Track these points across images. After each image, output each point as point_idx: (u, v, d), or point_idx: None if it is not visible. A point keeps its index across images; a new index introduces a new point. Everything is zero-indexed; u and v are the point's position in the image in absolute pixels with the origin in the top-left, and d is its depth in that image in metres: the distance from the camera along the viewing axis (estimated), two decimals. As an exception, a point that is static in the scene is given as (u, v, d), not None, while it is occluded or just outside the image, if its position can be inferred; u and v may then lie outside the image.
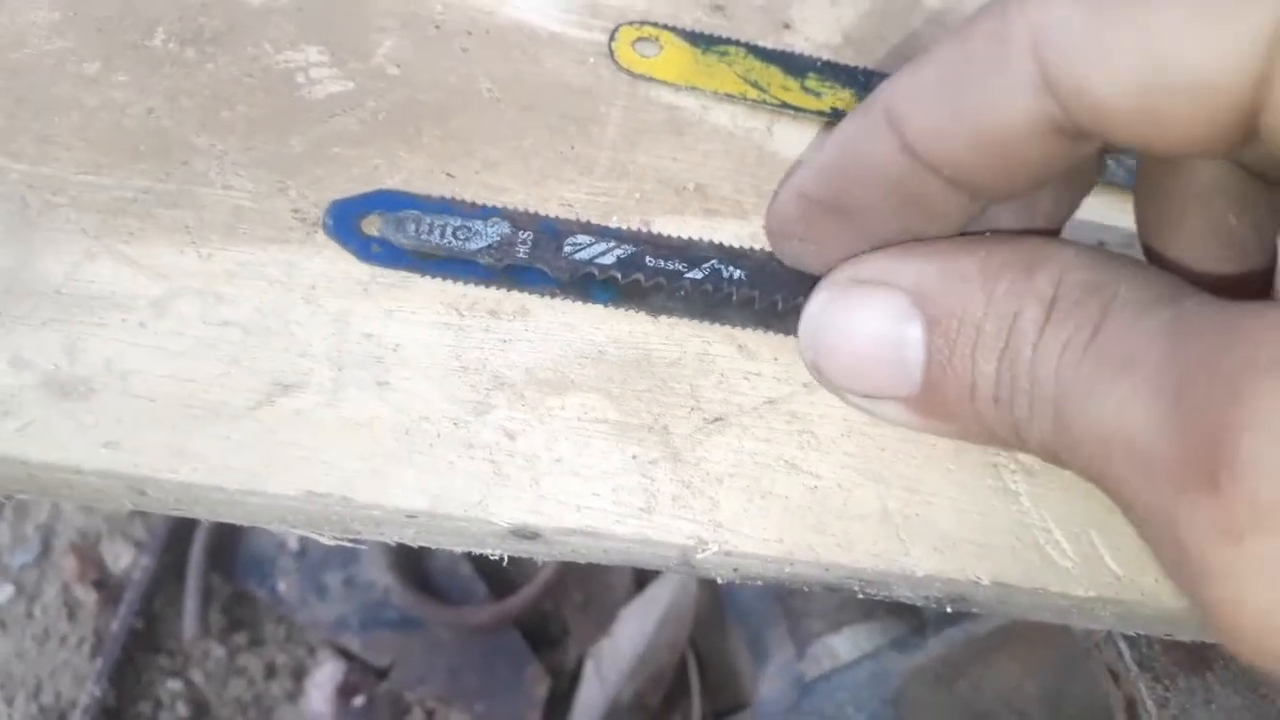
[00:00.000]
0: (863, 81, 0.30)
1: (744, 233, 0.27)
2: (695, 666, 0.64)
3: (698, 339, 0.25)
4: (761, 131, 0.29)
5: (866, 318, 0.19)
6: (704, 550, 0.23)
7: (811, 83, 0.29)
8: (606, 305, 0.25)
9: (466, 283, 0.25)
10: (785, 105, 0.29)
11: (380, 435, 0.22)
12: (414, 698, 0.65)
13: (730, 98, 0.29)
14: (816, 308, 0.21)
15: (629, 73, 0.29)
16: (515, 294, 0.25)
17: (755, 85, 0.29)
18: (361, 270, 0.24)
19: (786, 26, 0.31)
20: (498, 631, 0.67)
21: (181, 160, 0.26)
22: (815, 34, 0.30)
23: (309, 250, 0.25)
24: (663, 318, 0.25)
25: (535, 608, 0.67)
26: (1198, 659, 0.27)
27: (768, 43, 0.30)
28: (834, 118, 0.29)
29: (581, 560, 0.23)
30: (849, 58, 0.30)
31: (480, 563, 0.68)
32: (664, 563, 0.23)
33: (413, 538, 0.23)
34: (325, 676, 0.65)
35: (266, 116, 0.27)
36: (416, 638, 0.67)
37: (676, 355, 0.25)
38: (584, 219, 0.26)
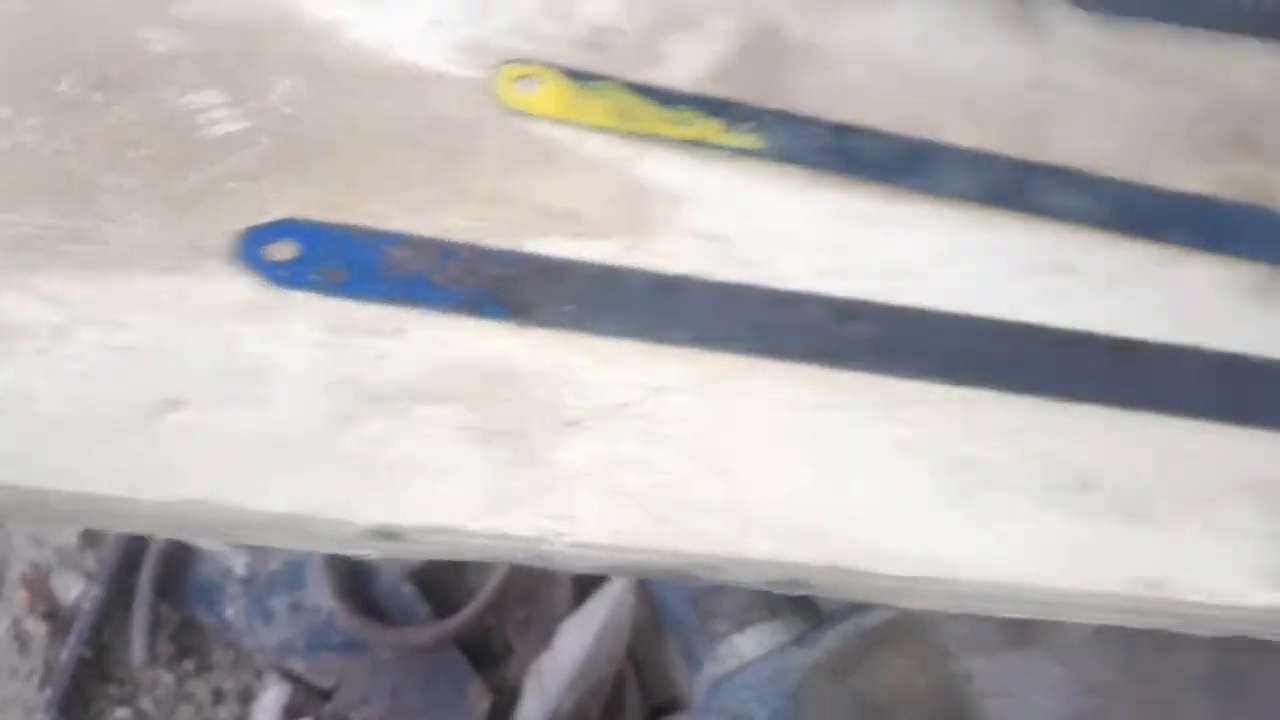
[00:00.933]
0: (730, 111, 0.32)
1: (609, 253, 0.29)
2: (633, 676, 0.65)
3: (561, 349, 0.27)
4: (632, 159, 0.31)
5: None
6: (555, 542, 0.25)
7: (680, 113, 0.32)
8: (495, 320, 0.27)
9: (361, 300, 0.27)
10: (655, 135, 0.31)
11: (256, 446, 0.24)
12: (358, 718, 0.66)
13: (604, 129, 0.31)
14: None
15: (509, 108, 0.31)
16: (393, 311, 0.27)
17: (627, 116, 0.32)
18: (248, 295, 0.27)
19: (659, 61, 0.33)
20: (440, 651, 0.68)
21: (86, 198, 0.28)
22: (686, 67, 0.33)
23: (200, 278, 0.27)
24: (530, 329, 0.28)
25: (477, 626, 0.69)
26: (1022, 635, 0.30)
27: (641, 77, 0.33)
28: (698, 148, 0.31)
29: (444, 557, 0.25)
30: (717, 89, 0.33)
31: (423, 584, 0.69)
32: (519, 555, 0.25)
33: (284, 541, 0.25)
34: (271, 700, 0.66)
35: (168, 156, 0.29)
36: (361, 659, 0.68)
37: (539, 365, 0.27)
38: (468, 242, 0.28)
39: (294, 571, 0.70)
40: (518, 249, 0.29)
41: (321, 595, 0.69)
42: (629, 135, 0.31)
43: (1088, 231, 0.32)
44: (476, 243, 0.29)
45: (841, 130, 0.32)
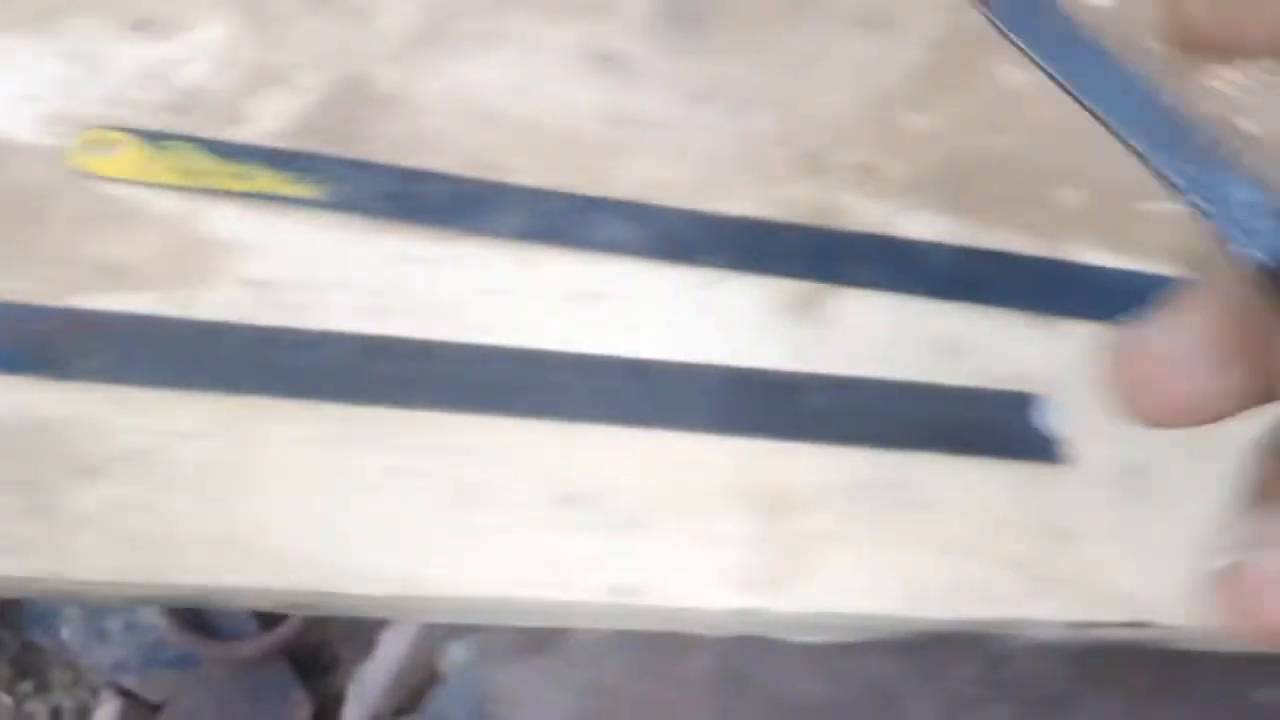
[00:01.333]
0: (294, 164, 0.34)
1: (156, 304, 0.32)
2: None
3: (91, 400, 0.30)
4: (194, 214, 0.34)
5: None
6: (52, 580, 0.27)
7: (245, 167, 0.34)
8: (32, 375, 0.30)
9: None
10: (220, 190, 0.34)
11: None
12: (186, 730, 0.69)
13: (173, 187, 0.34)
14: None
15: (85, 173, 0.34)
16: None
17: (195, 174, 0.34)
18: None
19: (244, 119, 0.35)
20: (266, 663, 0.71)
21: None
22: (269, 123, 0.35)
23: None
24: (65, 383, 0.30)
25: (302, 638, 0.72)
26: (538, 642, 0.32)
27: (224, 135, 0.35)
28: (262, 200, 0.34)
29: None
30: (297, 143, 0.35)
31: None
32: (30, 593, 0.28)
33: None
34: (104, 716, 0.69)
35: None
36: (191, 674, 0.71)
37: (66, 417, 0.30)
38: (11, 302, 0.31)
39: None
40: (62, 305, 0.31)
41: (153, 614, 0.72)
42: (195, 191, 0.34)
43: (631, 260, 0.34)
44: (20, 302, 0.31)
45: (404, 176, 0.34)
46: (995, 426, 0.32)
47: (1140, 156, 0.17)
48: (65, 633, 0.72)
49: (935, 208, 0.36)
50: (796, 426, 0.32)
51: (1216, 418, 0.17)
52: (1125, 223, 0.36)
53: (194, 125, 0.35)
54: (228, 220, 0.34)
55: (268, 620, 0.73)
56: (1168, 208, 0.36)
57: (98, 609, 0.73)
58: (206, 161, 0.34)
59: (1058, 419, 0.32)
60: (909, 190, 0.36)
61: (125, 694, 0.71)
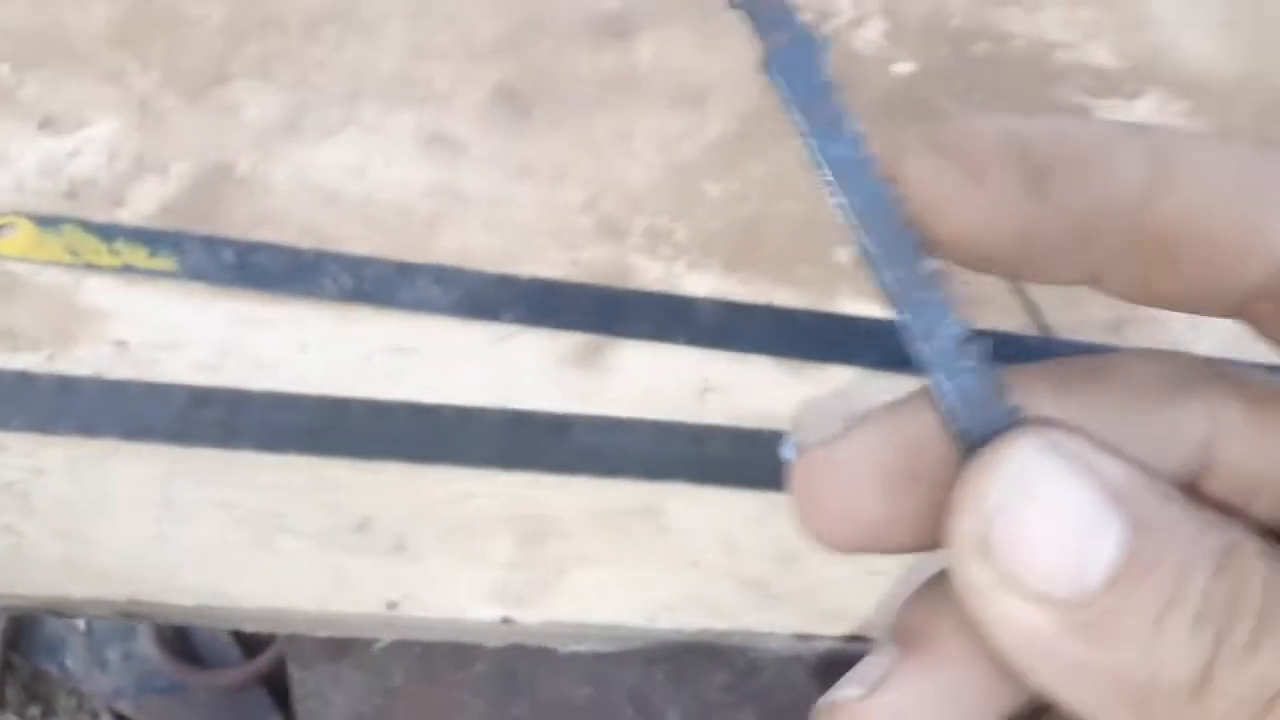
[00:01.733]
0: (154, 240, 0.40)
1: (33, 362, 0.38)
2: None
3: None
4: (73, 286, 0.40)
5: (1072, 496, 0.15)
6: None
7: (117, 246, 0.40)
8: None
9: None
10: (92, 265, 0.40)
11: None
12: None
13: (58, 263, 0.40)
14: (1018, 466, 0.16)
15: (-16, 252, 0.40)
16: None
17: (76, 252, 0.40)
18: None
19: (123, 204, 0.42)
20: (247, 690, 0.77)
21: None
22: (140, 208, 0.41)
23: None
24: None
25: (280, 668, 0.77)
26: (338, 649, 0.37)
27: (104, 218, 0.41)
28: (129, 272, 0.40)
29: None
30: (165, 223, 0.41)
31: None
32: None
33: None
34: (103, 738, 0.76)
35: None
36: (179, 700, 0.77)
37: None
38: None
39: (128, 624, 0.80)
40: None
41: (147, 644, 0.79)
42: (76, 267, 0.40)
43: (440, 318, 0.39)
44: (-83, 364, 0.37)
45: (246, 249, 0.40)
46: (741, 460, 0.36)
47: (869, 262, 0.16)
48: (69, 661, 0.79)
49: (719, 267, 0.40)
50: (565, 462, 0.36)
51: (885, 548, 0.17)
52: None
53: (83, 210, 0.41)
54: (100, 291, 0.40)
55: (250, 650, 0.78)
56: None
57: (100, 640, 0.80)
58: (88, 241, 0.40)
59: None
60: (695, 251, 0.40)
61: (122, 718, 0.77)
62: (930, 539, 0.17)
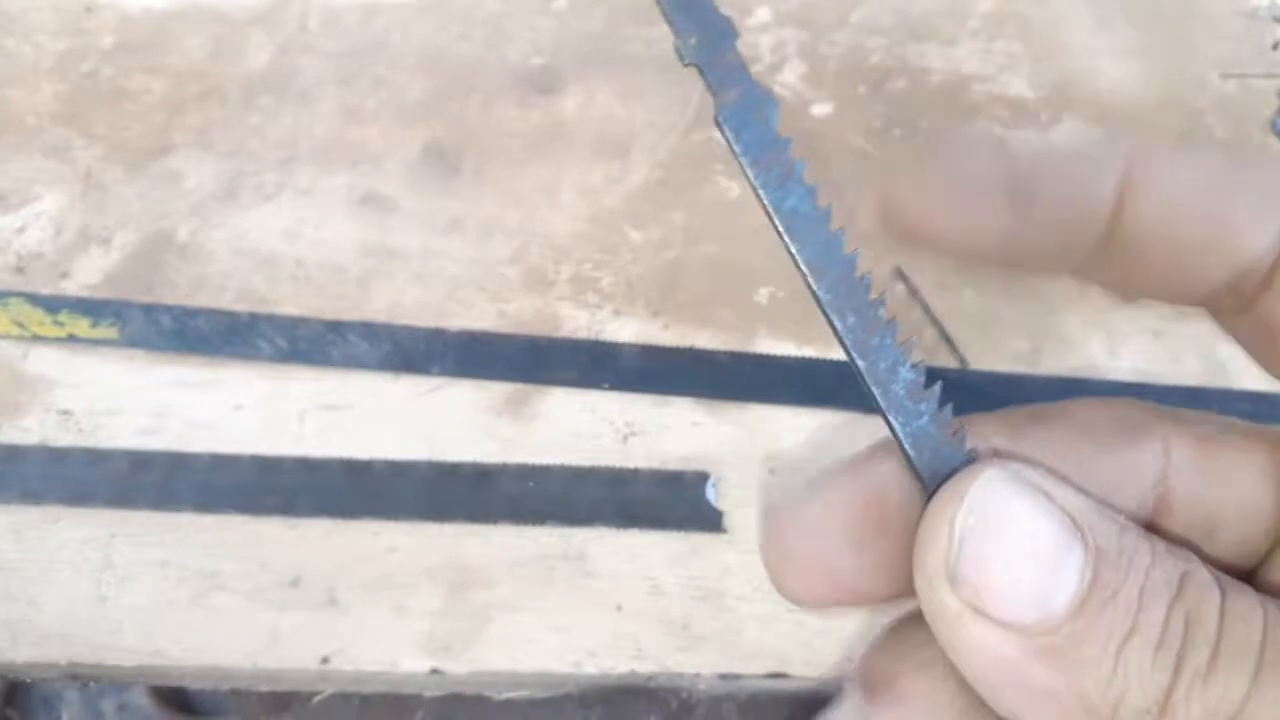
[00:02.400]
0: (96, 310, 0.42)
1: (-24, 435, 0.39)
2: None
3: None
4: (20, 357, 0.41)
5: (1035, 524, 0.16)
6: None
7: (61, 317, 0.42)
8: None
9: None
10: (38, 336, 0.41)
11: None
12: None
13: (4, 336, 0.41)
14: (983, 495, 0.16)
15: (-64, 328, 0.42)
16: None
17: (23, 324, 0.42)
18: None
19: (68, 275, 0.43)
20: (235, 737, 0.78)
21: None
22: (85, 278, 0.43)
23: None
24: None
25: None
26: (278, 703, 0.38)
27: (50, 290, 0.43)
28: (73, 342, 0.41)
29: None
30: (108, 292, 0.42)
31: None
32: None
33: None
34: (91, 790, 0.77)
35: None
36: (170, 751, 0.78)
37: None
38: None
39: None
40: (-98, 440, 0.39)
41: (141, 696, 0.80)
42: (22, 338, 0.41)
43: (369, 373, 0.40)
44: None
45: (184, 314, 0.41)
46: (663, 502, 0.37)
47: (823, 310, 0.17)
48: (65, 716, 0.81)
49: (641, 311, 0.41)
50: (490, 511, 0.37)
51: (860, 600, 0.18)
52: (812, 315, 0.41)
53: (30, 283, 0.43)
54: (45, 361, 0.41)
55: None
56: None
57: (95, 693, 0.81)
58: (34, 313, 0.42)
59: (719, 493, 0.37)
60: (619, 298, 0.41)
61: (112, 769, 0.78)
62: (903, 585, 0.17)
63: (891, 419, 0.17)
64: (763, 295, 0.41)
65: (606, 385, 0.39)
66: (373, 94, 0.46)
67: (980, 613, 0.16)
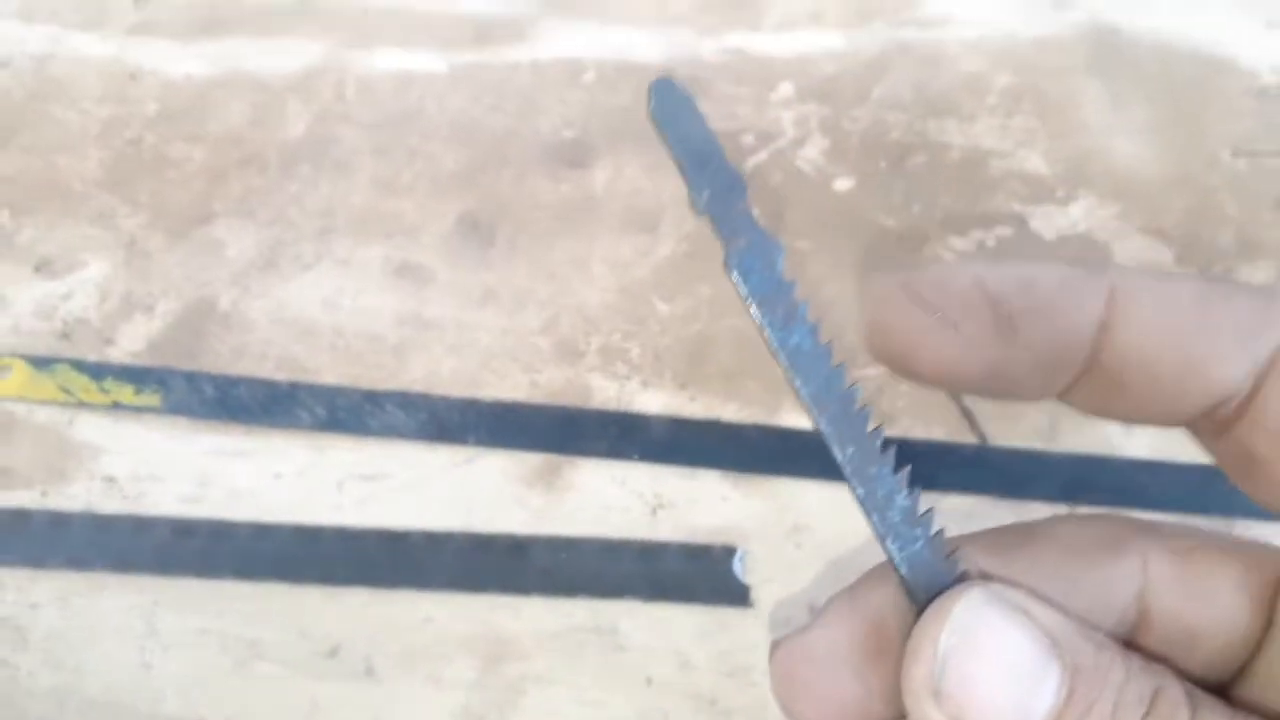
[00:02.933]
0: (140, 378, 0.43)
1: (28, 499, 0.40)
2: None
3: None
4: (66, 424, 0.42)
5: (1014, 642, 0.17)
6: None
7: (106, 384, 0.43)
8: None
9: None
10: (84, 403, 0.43)
11: None
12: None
13: (51, 402, 0.43)
14: (965, 615, 0.17)
15: (-16, 394, 0.43)
16: None
17: (68, 391, 0.43)
18: None
19: (112, 342, 0.44)
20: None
21: None
22: (128, 345, 0.44)
23: None
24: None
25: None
26: None
27: (95, 356, 0.44)
28: (118, 409, 0.42)
29: None
30: (152, 359, 0.44)
31: None
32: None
33: None
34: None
35: None
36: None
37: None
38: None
39: None
40: (-47, 506, 0.40)
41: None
42: (68, 405, 0.43)
43: (406, 443, 0.41)
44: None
45: (225, 383, 0.43)
46: (692, 575, 0.38)
47: (825, 440, 0.18)
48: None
49: (669, 383, 0.42)
50: (523, 583, 0.38)
51: None
52: (835, 388, 0.42)
53: (76, 349, 0.44)
54: (90, 428, 0.42)
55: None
56: (871, 372, 0.41)
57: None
58: (79, 380, 0.43)
59: (746, 567, 0.38)
60: (647, 369, 0.43)
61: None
62: (900, 707, 0.18)
63: (888, 544, 0.18)
64: (788, 370, 0.42)
65: (636, 456, 0.40)
66: (408, 165, 0.48)
67: None
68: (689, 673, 0.37)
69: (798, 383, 0.18)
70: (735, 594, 0.38)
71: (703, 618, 0.38)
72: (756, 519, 0.39)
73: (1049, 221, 0.46)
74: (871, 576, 0.19)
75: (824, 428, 0.18)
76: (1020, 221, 0.46)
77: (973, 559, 0.18)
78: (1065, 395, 0.19)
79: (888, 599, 0.18)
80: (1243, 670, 0.19)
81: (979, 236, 0.46)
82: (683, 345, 0.43)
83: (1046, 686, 0.17)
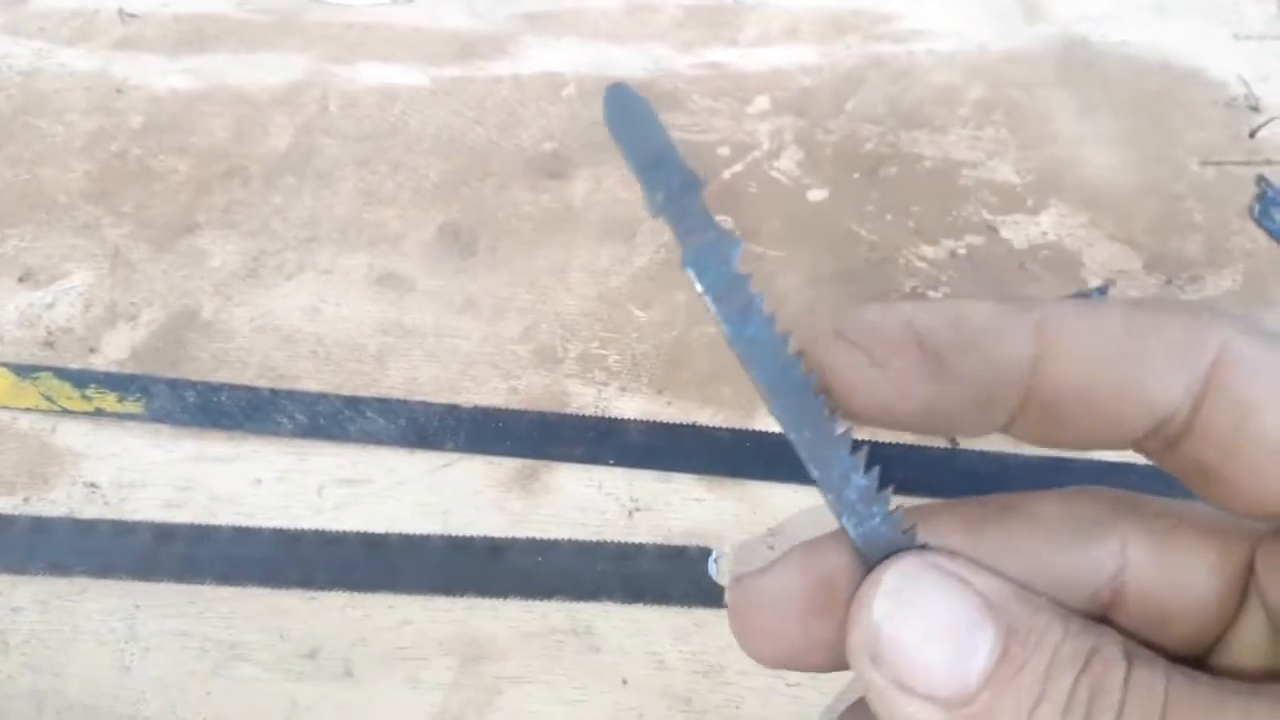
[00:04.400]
0: (123, 385, 0.43)
1: (8, 505, 0.41)
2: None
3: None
4: (48, 430, 0.43)
5: (946, 606, 0.18)
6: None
7: (89, 391, 0.43)
8: None
9: None
10: (67, 410, 0.43)
11: None
12: None
13: (34, 410, 0.43)
14: (897, 581, 0.18)
15: (-32, 402, 0.43)
16: None
17: (51, 398, 0.43)
18: None
19: (96, 351, 0.45)
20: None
21: None
22: (112, 353, 0.45)
23: None
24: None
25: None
26: None
27: (78, 364, 0.44)
28: (100, 416, 0.43)
29: None
30: (135, 367, 0.44)
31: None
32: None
33: None
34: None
35: None
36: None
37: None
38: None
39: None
40: (-66, 512, 0.40)
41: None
42: (51, 412, 0.43)
43: (386, 449, 0.42)
44: (-97, 511, 0.40)
45: (207, 390, 0.43)
46: (667, 577, 0.39)
47: (782, 426, 0.18)
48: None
49: (646, 389, 0.43)
50: (501, 585, 0.39)
51: (807, 667, 0.20)
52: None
53: (60, 357, 0.45)
54: (73, 435, 0.43)
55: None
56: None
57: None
58: (62, 388, 0.43)
59: (721, 568, 0.39)
60: (624, 374, 0.43)
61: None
62: (845, 661, 0.19)
63: (843, 520, 0.18)
64: (763, 375, 0.43)
65: (612, 461, 0.41)
66: (391, 176, 0.49)
67: (903, 688, 0.18)
68: (664, 673, 0.37)
69: (753, 372, 0.18)
70: (710, 595, 0.38)
71: (678, 618, 0.38)
72: (731, 521, 0.40)
73: (1019, 230, 0.47)
74: (833, 536, 0.20)
75: (779, 414, 0.18)
76: (991, 230, 0.47)
77: (940, 535, 0.19)
78: (1008, 429, 0.20)
79: (842, 560, 0.19)
80: (1219, 640, 0.19)
81: (950, 245, 0.47)
82: (659, 352, 0.44)
83: (980, 647, 0.17)
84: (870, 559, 0.18)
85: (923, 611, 0.18)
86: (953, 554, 0.19)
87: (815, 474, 0.18)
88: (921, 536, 0.19)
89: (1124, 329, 0.18)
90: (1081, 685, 0.17)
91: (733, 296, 0.18)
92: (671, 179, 0.18)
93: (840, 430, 0.18)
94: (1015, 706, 0.17)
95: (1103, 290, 0.45)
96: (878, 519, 0.18)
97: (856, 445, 0.18)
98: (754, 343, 0.18)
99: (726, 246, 0.18)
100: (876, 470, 0.18)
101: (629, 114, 0.19)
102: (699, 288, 0.18)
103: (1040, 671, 0.17)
